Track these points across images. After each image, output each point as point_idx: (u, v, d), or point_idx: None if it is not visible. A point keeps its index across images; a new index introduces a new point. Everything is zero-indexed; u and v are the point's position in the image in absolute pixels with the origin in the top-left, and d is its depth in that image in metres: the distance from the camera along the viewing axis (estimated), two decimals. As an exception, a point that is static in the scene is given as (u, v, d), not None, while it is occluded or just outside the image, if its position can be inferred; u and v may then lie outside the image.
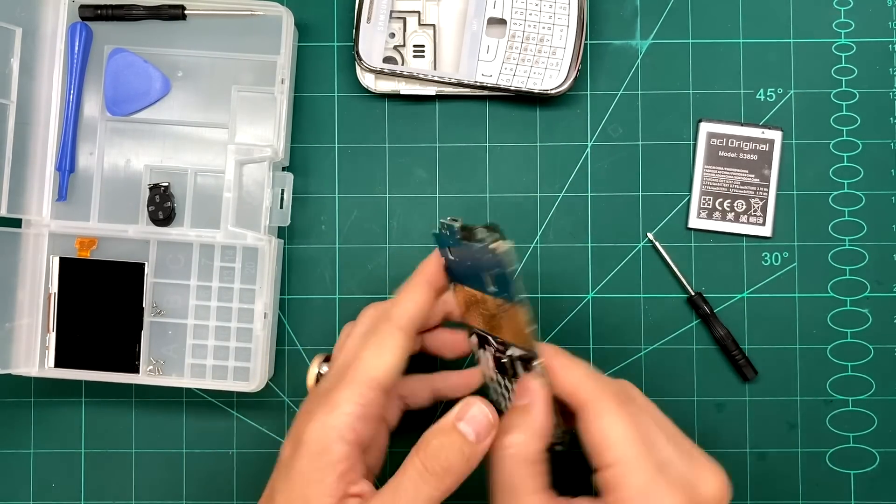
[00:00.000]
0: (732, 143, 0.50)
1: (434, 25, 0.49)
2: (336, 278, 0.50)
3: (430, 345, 0.43)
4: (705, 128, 0.50)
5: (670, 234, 0.50)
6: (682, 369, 0.50)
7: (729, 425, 0.50)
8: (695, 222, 0.50)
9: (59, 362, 0.48)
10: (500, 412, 0.37)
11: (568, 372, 0.37)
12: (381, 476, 0.38)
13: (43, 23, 0.48)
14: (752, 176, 0.50)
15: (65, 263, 0.49)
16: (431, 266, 0.39)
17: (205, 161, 0.49)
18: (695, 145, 0.50)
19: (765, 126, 0.50)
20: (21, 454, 0.50)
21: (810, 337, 0.50)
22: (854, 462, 0.49)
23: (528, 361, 0.38)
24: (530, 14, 0.48)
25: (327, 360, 0.42)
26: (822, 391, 0.50)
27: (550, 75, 0.48)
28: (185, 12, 0.48)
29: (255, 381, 0.47)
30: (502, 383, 0.41)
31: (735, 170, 0.50)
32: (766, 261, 0.50)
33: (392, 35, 0.49)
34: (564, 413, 0.38)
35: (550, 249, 0.50)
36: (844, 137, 0.50)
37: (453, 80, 0.48)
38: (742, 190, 0.50)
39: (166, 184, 0.49)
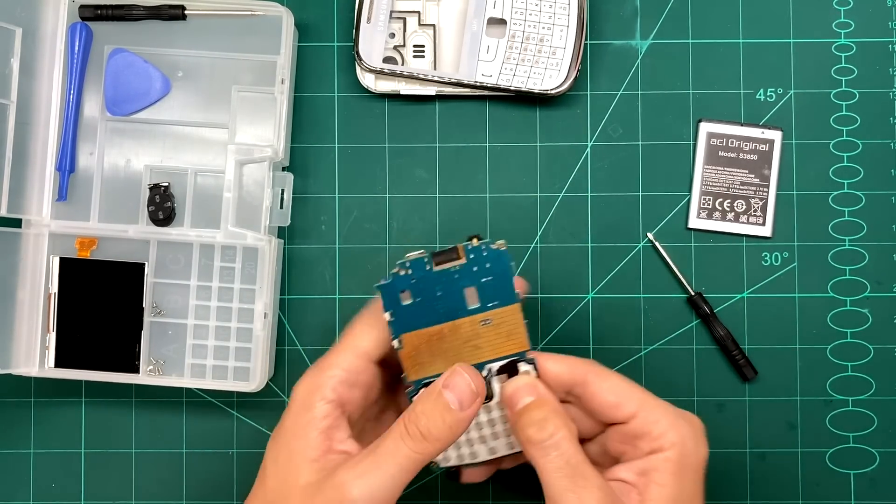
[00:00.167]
0: (732, 143, 0.50)
1: (434, 25, 0.49)
2: (336, 278, 0.50)
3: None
4: (705, 128, 0.50)
5: (670, 234, 0.50)
6: (682, 369, 0.50)
7: (729, 425, 0.50)
8: (695, 222, 0.50)
9: (59, 362, 0.48)
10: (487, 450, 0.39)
11: (556, 359, 0.39)
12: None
13: (43, 23, 0.48)
14: (752, 176, 0.50)
15: (65, 263, 0.49)
16: (363, 326, 0.40)
17: (205, 161, 0.49)
18: (695, 145, 0.50)
19: (765, 126, 0.50)
20: (21, 454, 0.50)
21: (810, 337, 0.50)
22: (854, 462, 0.49)
23: (512, 366, 0.39)
24: (530, 14, 0.48)
25: None
26: (822, 391, 0.50)
27: (550, 75, 0.48)
28: (185, 12, 0.48)
29: (255, 381, 0.47)
30: (481, 419, 0.40)
31: (735, 170, 0.50)
32: (766, 261, 0.50)
33: (392, 35, 0.49)
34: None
35: (550, 249, 0.50)
36: (844, 137, 0.50)
37: (453, 80, 0.48)
38: (742, 190, 0.50)
39: (166, 184, 0.49)
